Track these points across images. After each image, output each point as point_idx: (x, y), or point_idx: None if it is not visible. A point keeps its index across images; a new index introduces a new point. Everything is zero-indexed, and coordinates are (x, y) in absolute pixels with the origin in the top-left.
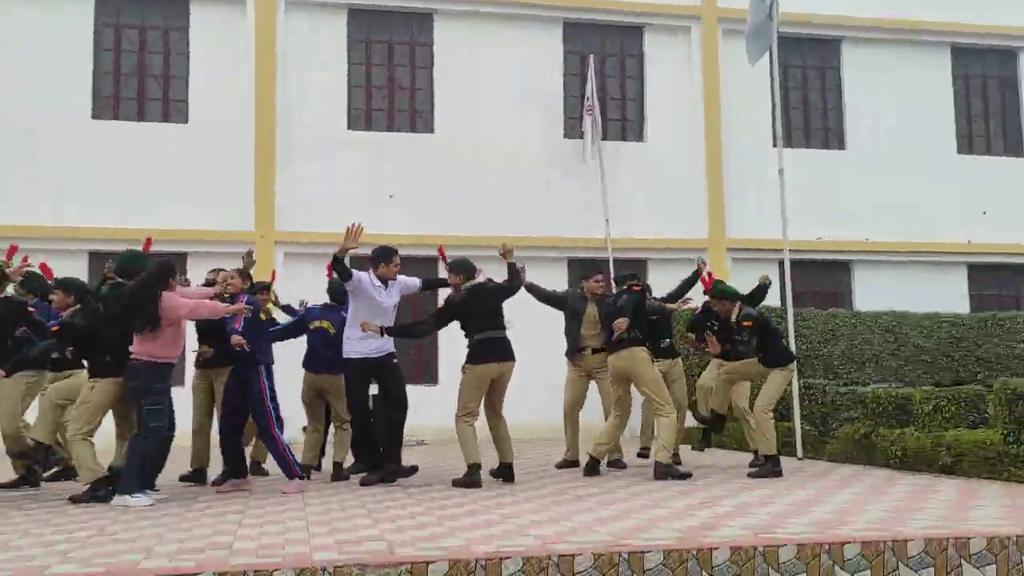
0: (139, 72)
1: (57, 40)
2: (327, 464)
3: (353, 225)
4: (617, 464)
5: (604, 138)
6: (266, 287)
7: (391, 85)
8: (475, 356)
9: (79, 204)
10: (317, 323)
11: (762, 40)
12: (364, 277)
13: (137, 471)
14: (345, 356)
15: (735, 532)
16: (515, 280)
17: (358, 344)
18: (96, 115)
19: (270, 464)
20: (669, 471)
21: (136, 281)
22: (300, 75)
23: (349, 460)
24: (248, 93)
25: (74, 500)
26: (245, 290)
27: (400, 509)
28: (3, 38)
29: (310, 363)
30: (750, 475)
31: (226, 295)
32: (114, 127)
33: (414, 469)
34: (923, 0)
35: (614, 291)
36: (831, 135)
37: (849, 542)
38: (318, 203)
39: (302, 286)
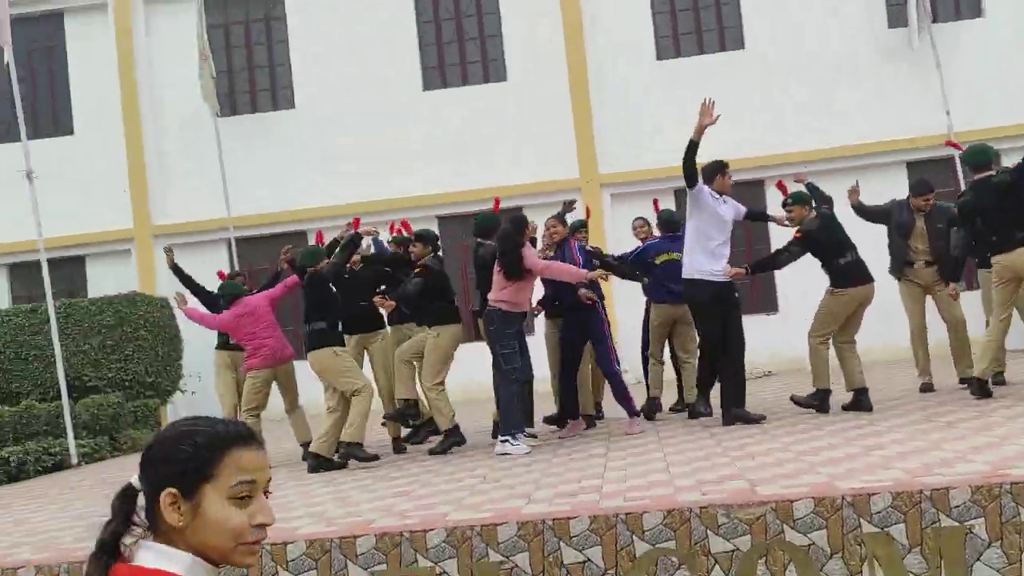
0: (459, 38)
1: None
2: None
3: (707, 100)
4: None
5: (935, 20)
6: (582, 225)
7: (696, 5)
8: (847, 279)
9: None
10: (665, 256)
11: None
12: (704, 187)
13: (509, 415)
14: (688, 276)
15: None
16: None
17: (705, 262)
18: (426, 87)
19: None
20: None
21: (503, 232)
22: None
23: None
24: (559, 47)
25: (432, 452)
26: (567, 236)
27: (757, 446)
28: (338, 28)
29: (661, 295)
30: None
31: (551, 243)
32: (442, 95)
33: (761, 417)
34: None
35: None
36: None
37: None
38: (638, 141)
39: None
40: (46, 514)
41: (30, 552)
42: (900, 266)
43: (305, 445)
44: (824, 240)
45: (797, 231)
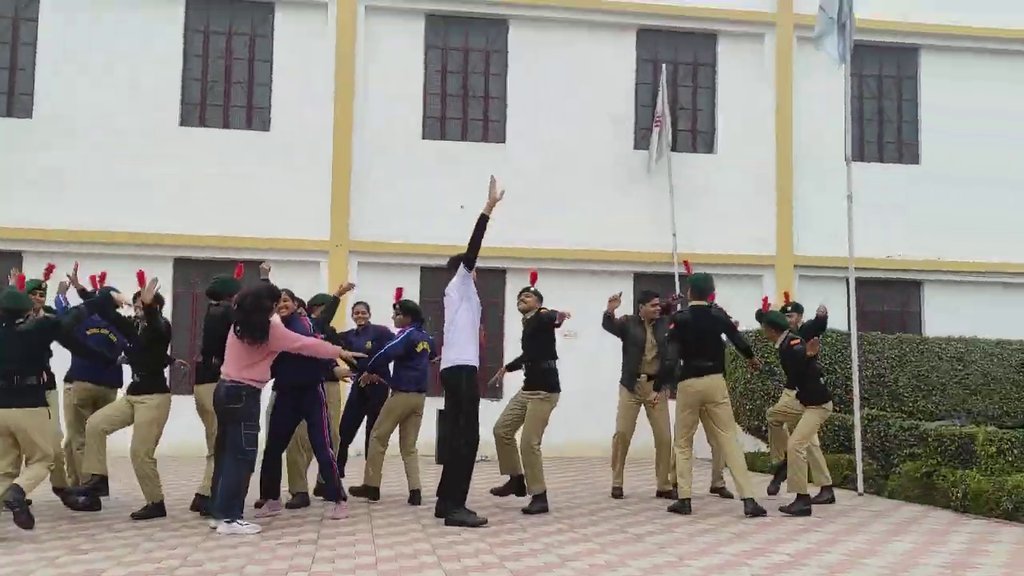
0: (226, 80)
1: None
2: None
3: (493, 177)
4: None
5: (674, 149)
6: (327, 301)
7: (465, 93)
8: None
9: (165, 210)
10: (422, 344)
11: (830, 40)
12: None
13: (236, 495)
14: (467, 363)
15: None
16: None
17: (474, 351)
18: (183, 122)
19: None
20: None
21: (250, 297)
22: (378, 82)
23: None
24: (327, 100)
25: (136, 516)
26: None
27: (464, 546)
28: (97, 42)
29: (410, 384)
30: (781, 509)
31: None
32: (201, 133)
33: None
34: (1004, 5)
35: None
36: (905, 148)
37: None
38: (390, 213)
39: (374, 298)
40: None
41: None
42: (631, 378)
43: None
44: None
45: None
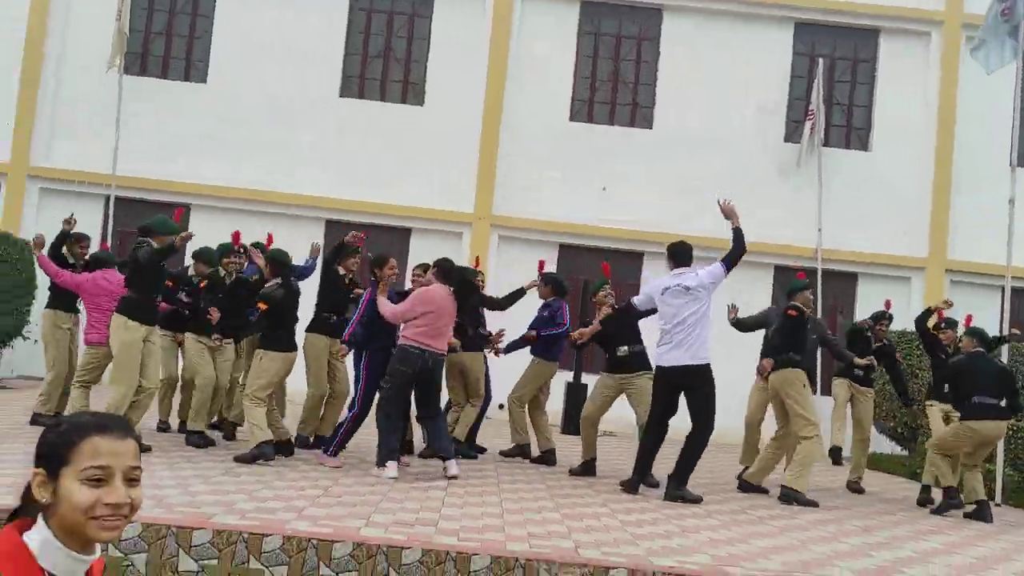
0: (385, 56)
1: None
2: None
3: (724, 201)
4: None
5: (826, 144)
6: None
7: (615, 79)
8: None
9: (318, 175)
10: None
11: (1000, 44)
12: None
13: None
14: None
15: None
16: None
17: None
18: (343, 93)
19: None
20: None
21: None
22: (532, 64)
23: None
24: (481, 80)
25: (238, 459)
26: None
27: (586, 508)
28: (262, 22)
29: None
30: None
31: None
32: (357, 105)
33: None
34: None
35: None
36: None
37: None
38: (534, 191)
39: (515, 271)
40: None
41: None
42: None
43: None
44: None
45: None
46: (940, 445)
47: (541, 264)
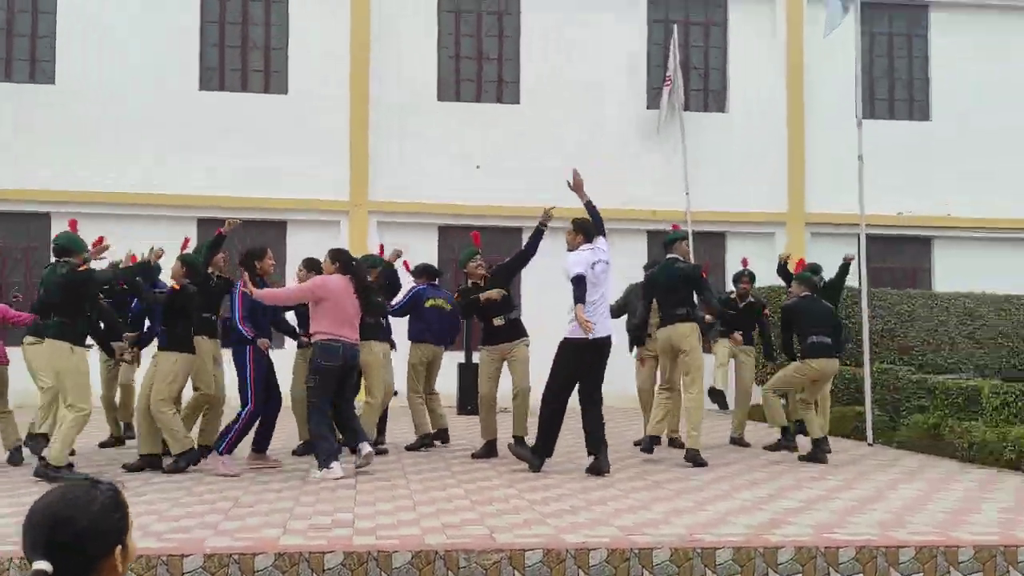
0: (243, 46)
1: None
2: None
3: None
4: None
5: (686, 109)
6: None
7: (479, 56)
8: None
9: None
10: (431, 301)
11: (835, 8)
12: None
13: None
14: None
15: (799, 531)
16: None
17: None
18: (203, 86)
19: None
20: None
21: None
22: (394, 45)
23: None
24: (344, 63)
25: (128, 468)
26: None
27: (495, 491)
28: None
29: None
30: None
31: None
32: (220, 97)
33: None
34: None
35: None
36: (916, 106)
37: (904, 546)
38: (409, 172)
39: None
40: None
41: None
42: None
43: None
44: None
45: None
46: (778, 384)
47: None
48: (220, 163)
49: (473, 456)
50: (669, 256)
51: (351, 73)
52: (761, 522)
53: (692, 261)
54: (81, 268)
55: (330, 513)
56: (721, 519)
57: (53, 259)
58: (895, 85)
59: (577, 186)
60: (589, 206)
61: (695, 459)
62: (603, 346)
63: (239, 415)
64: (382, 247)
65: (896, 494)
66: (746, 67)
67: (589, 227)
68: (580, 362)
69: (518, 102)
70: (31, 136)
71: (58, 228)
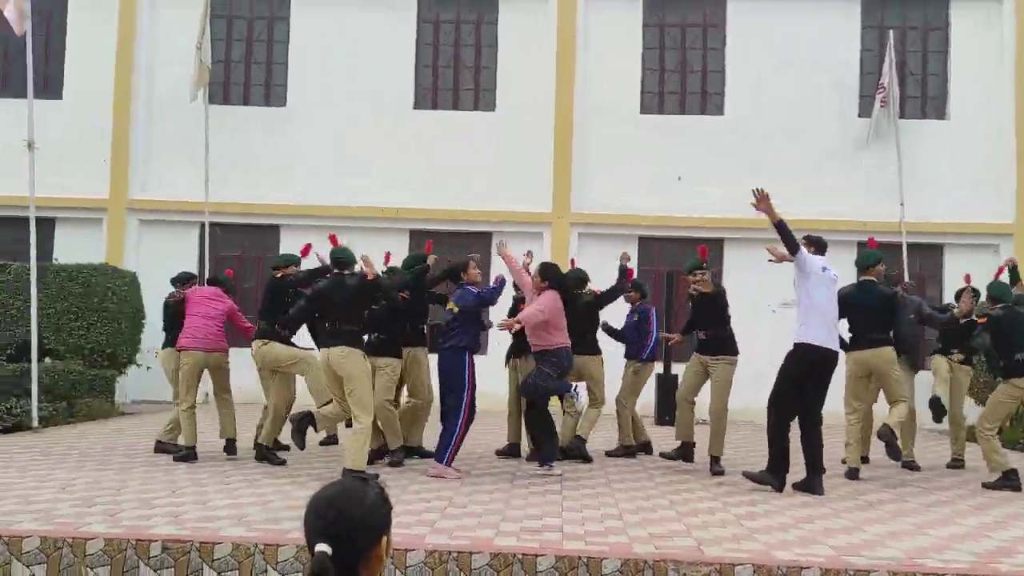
0: (455, 66)
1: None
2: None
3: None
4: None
5: (902, 116)
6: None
7: (683, 68)
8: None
9: (400, 187)
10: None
11: None
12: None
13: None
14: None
15: None
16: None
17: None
18: (417, 105)
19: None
20: None
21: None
22: (597, 60)
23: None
24: (550, 80)
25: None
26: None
27: (700, 503)
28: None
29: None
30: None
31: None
32: (432, 115)
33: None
34: None
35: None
36: None
37: None
38: (610, 185)
39: (597, 266)
40: (21, 476)
41: (32, 522)
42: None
43: (230, 440)
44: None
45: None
46: (989, 417)
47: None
48: (431, 178)
49: (662, 455)
50: (864, 278)
51: (556, 88)
52: (988, 550)
53: (906, 277)
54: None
55: (539, 517)
56: (944, 544)
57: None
58: None
59: (762, 201)
60: (779, 226)
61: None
62: (830, 359)
63: (456, 423)
64: (572, 261)
65: None
66: (969, 70)
67: (820, 242)
68: (814, 371)
69: (722, 113)
70: (263, 154)
71: (286, 239)
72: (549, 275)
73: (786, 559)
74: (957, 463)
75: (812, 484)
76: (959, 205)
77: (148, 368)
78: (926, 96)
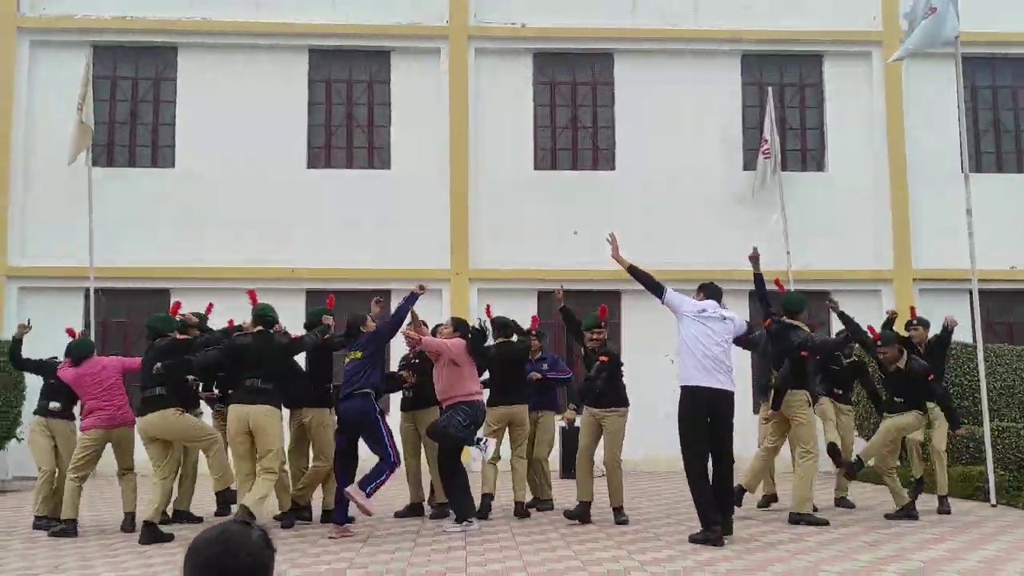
0: (347, 124)
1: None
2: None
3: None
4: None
5: (784, 168)
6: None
7: (574, 125)
8: None
9: (297, 246)
10: None
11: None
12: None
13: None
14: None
15: None
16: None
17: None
18: (311, 164)
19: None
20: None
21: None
22: (490, 119)
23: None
24: (443, 138)
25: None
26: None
27: (603, 552)
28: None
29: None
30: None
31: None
32: (326, 174)
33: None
34: None
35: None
36: None
37: None
38: (507, 241)
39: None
40: None
41: None
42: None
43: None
44: None
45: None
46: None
47: (535, 320)
48: (328, 236)
49: (566, 514)
50: (785, 321)
51: (451, 147)
52: None
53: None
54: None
55: (443, 574)
56: None
57: (256, 328)
58: (1002, 138)
59: (614, 250)
60: (632, 270)
61: (811, 520)
62: (720, 399)
63: (384, 468)
64: (488, 307)
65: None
66: (844, 124)
67: (710, 287)
68: (698, 411)
69: (613, 168)
70: (152, 216)
71: (179, 300)
72: (459, 325)
73: None
74: (845, 503)
75: (707, 537)
76: (841, 253)
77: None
78: (806, 149)
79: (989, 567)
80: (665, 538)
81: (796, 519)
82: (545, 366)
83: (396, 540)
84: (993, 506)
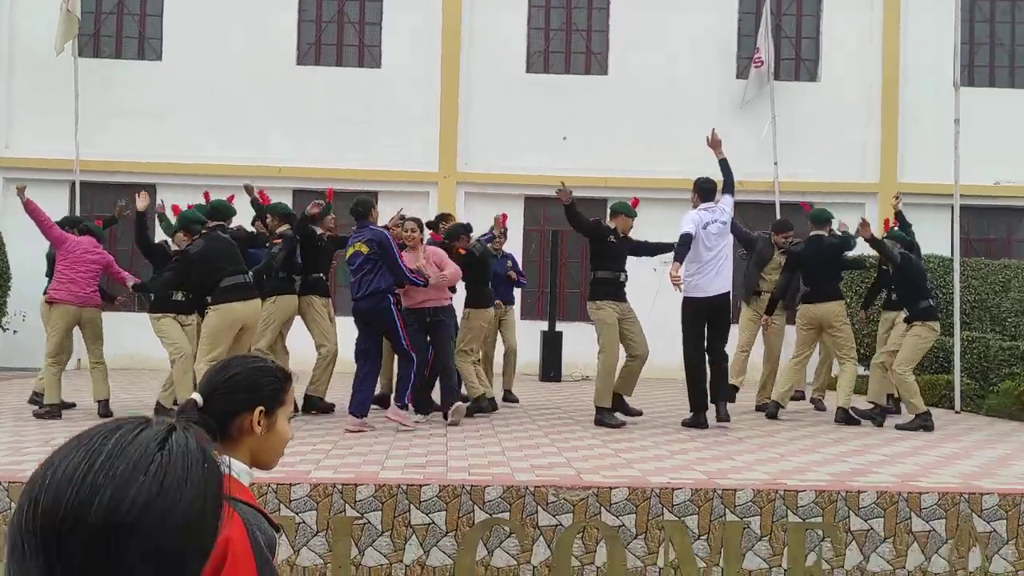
0: (339, 21)
1: None
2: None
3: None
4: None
5: (777, 77)
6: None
7: (568, 28)
8: None
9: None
10: None
11: None
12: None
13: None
14: None
15: (884, 479)
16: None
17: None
18: (300, 61)
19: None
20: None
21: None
22: (482, 20)
23: None
24: (435, 37)
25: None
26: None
27: (579, 441)
28: None
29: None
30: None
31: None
32: (315, 71)
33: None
34: None
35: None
36: (1019, 72)
37: (988, 493)
38: (495, 145)
39: (484, 226)
40: None
41: None
42: (750, 293)
43: (101, 402)
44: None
45: None
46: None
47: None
48: (316, 135)
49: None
50: (815, 233)
51: (442, 47)
52: (844, 471)
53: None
54: None
55: (424, 455)
56: (806, 467)
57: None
58: (995, 52)
59: (715, 144)
60: (723, 164)
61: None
62: (720, 303)
63: (407, 370)
64: (504, 217)
65: (984, 453)
66: (840, 35)
67: (708, 187)
68: (700, 320)
69: (606, 73)
70: (138, 109)
71: (163, 197)
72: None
73: (659, 482)
74: (819, 403)
75: (697, 420)
76: (828, 165)
77: (15, 332)
78: (800, 59)
79: (947, 461)
80: (640, 430)
81: (844, 417)
82: (509, 264)
83: (379, 429)
84: (957, 412)
